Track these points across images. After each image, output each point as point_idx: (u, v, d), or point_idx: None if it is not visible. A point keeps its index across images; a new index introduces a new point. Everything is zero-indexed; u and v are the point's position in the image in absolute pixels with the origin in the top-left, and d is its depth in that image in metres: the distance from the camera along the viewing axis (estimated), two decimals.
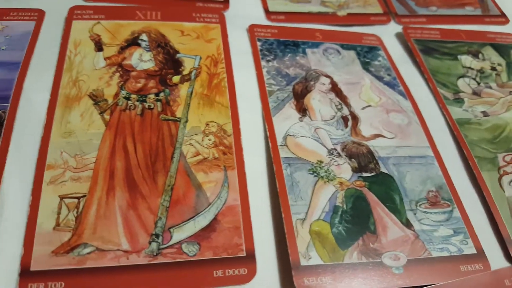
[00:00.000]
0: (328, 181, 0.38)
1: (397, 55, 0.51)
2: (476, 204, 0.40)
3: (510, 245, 0.37)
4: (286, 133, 0.40)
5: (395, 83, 0.48)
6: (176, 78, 0.42)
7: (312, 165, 0.39)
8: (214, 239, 0.33)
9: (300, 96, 0.44)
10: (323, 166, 0.39)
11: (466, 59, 0.51)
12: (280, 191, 0.36)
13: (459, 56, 0.51)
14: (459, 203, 0.39)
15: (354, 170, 0.39)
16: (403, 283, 0.33)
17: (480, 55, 0.52)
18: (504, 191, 0.40)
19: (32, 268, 0.30)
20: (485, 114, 0.46)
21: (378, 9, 0.56)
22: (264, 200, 0.37)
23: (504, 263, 0.36)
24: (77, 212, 0.32)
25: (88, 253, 0.30)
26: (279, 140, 0.40)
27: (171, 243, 0.33)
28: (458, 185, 0.40)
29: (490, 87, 0.49)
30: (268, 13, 0.53)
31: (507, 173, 0.41)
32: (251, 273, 0.32)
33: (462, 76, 0.49)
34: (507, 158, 0.42)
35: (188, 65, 0.44)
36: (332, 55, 0.49)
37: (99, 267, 0.30)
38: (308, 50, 0.49)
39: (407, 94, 0.47)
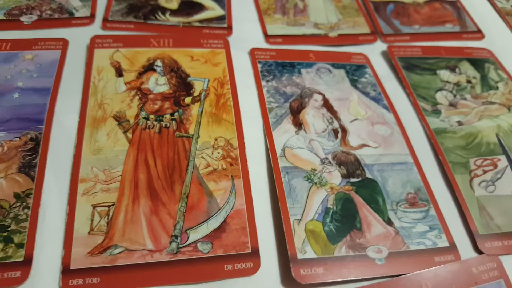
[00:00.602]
0: (320, 186, 0.44)
1: (383, 72, 0.57)
2: (450, 204, 0.45)
3: (478, 238, 0.42)
4: (284, 145, 0.46)
5: (380, 98, 0.54)
6: (188, 99, 0.48)
7: (307, 172, 0.44)
8: (224, 238, 0.39)
9: (296, 112, 0.50)
10: (316, 174, 0.45)
11: (444, 74, 0.57)
12: (280, 196, 0.42)
13: (437, 71, 0.57)
14: (434, 203, 0.45)
15: (343, 176, 0.45)
16: (384, 272, 0.39)
17: (457, 70, 0.58)
18: (474, 191, 0.46)
19: (72, 267, 0.36)
20: (459, 123, 0.52)
21: (366, 29, 0.63)
22: (266, 204, 0.43)
23: (473, 254, 0.42)
24: (107, 218, 0.38)
25: (119, 253, 0.37)
26: (278, 151, 0.46)
27: (188, 242, 0.39)
28: (434, 187, 0.46)
29: (465, 99, 0.55)
30: (267, 36, 0.59)
31: (477, 176, 0.47)
32: (256, 267, 0.38)
33: (440, 89, 0.55)
34: (478, 162, 0.48)
35: (198, 87, 0.50)
36: (324, 74, 0.55)
37: (128, 265, 0.36)
38: (303, 70, 0.55)
39: (390, 107, 0.53)
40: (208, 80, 0.51)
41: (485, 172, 0.48)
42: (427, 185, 0.46)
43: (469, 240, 0.43)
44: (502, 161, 0.49)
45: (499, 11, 0.69)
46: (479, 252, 0.42)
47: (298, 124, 0.49)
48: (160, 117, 0.46)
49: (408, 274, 0.38)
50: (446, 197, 0.46)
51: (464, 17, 0.67)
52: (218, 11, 0.61)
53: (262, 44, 0.58)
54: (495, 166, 0.48)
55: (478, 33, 0.65)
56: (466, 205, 0.45)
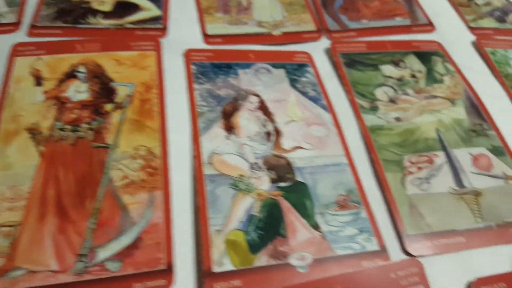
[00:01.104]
0: (247, 193, 0.42)
1: (325, 70, 0.55)
2: (381, 204, 0.44)
3: (405, 238, 0.41)
4: (212, 151, 0.45)
5: (319, 97, 0.52)
6: (108, 106, 0.47)
7: (234, 179, 0.43)
8: (137, 255, 0.38)
9: (228, 116, 0.48)
10: (244, 180, 0.43)
11: (387, 69, 0.55)
12: (201, 206, 0.41)
13: (380, 66, 0.55)
14: (366, 204, 0.43)
15: (273, 181, 0.44)
16: (305, 280, 0.38)
17: (401, 64, 0.56)
18: (405, 190, 0.44)
19: None
20: (398, 119, 0.50)
21: (312, 26, 0.61)
22: (187, 216, 0.41)
23: (403, 257, 0.41)
24: (11, 239, 0.37)
25: (20, 275, 0.35)
26: (205, 158, 0.44)
27: (95, 261, 0.37)
28: (367, 188, 0.45)
29: (407, 94, 0.53)
30: (206, 36, 0.57)
31: (411, 173, 0.46)
32: (169, 283, 0.37)
33: (381, 85, 0.53)
34: (413, 159, 0.47)
35: (122, 93, 0.48)
36: (263, 75, 0.53)
37: (30, 287, 0.35)
38: (240, 71, 0.53)
39: (328, 107, 0.51)
40: (134, 85, 0.49)
41: (420, 169, 0.46)
42: (359, 186, 0.44)
43: (398, 240, 0.42)
44: (440, 158, 0.47)
45: (452, 2, 0.68)
46: (408, 254, 0.41)
47: (230, 128, 0.47)
48: (77, 127, 0.44)
49: (321, 278, 0.37)
50: (377, 198, 0.44)
51: (415, 10, 0.65)
52: (154, 11, 0.59)
53: (200, 45, 0.57)
54: (432, 163, 0.47)
55: (428, 26, 0.63)
56: (395, 204, 0.43)
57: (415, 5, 0.66)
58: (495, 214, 0.44)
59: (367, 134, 0.49)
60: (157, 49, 0.53)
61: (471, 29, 0.64)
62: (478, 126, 0.51)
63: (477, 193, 0.45)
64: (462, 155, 0.48)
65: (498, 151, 0.49)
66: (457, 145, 0.49)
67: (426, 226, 0.42)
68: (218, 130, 0.47)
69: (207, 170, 0.43)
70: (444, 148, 0.48)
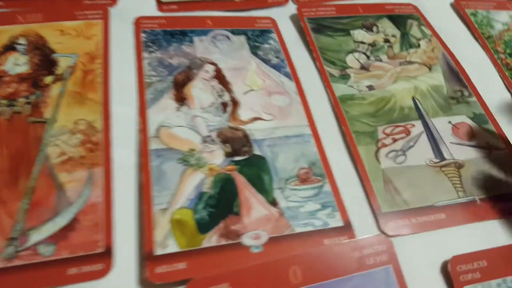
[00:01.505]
0: (198, 169, 0.38)
1: (290, 37, 0.51)
2: (352, 178, 0.39)
3: (380, 217, 0.37)
4: (160, 124, 0.40)
5: (282, 65, 0.47)
6: (48, 79, 0.42)
7: (183, 154, 0.38)
8: (72, 238, 0.33)
9: (180, 86, 0.44)
10: (194, 154, 0.39)
11: (359, 33, 0.50)
12: (145, 183, 0.36)
13: (351, 31, 0.51)
14: (331, 177, 0.39)
15: (227, 155, 0.39)
16: (259, 261, 0.33)
17: (374, 28, 0.51)
18: (380, 163, 0.40)
19: None
20: (370, 88, 0.45)
21: None
22: (130, 194, 0.37)
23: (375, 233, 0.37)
24: None
25: None
26: (152, 132, 0.39)
27: (27, 245, 0.32)
28: (333, 161, 0.40)
29: (381, 60, 0.48)
30: (160, 4, 0.52)
31: (385, 145, 0.41)
32: (107, 268, 0.32)
33: (352, 51, 0.49)
34: (387, 130, 0.42)
35: (64, 64, 0.43)
36: (220, 42, 0.49)
37: None
38: (195, 38, 0.48)
39: (293, 75, 0.46)
40: (77, 56, 0.44)
41: (395, 140, 0.42)
42: (324, 159, 0.40)
43: (373, 219, 0.38)
44: (417, 127, 0.43)
45: None
46: (385, 234, 0.36)
47: (181, 99, 0.43)
48: (13, 102, 0.40)
49: (276, 259, 0.33)
50: (347, 172, 0.40)
51: None
52: None
53: (154, 12, 0.52)
54: (408, 133, 0.42)
55: None
56: (368, 179, 0.39)
57: None
58: (478, 187, 0.40)
59: (337, 104, 0.44)
60: (105, 17, 0.48)
61: None
62: (458, 93, 0.46)
63: (458, 165, 0.41)
64: (441, 124, 0.44)
65: (480, 119, 0.45)
66: (435, 114, 0.44)
67: (403, 203, 0.38)
68: (168, 101, 0.42)
69: (153, 144, 0.39)
70: (421, 117, 0.44)
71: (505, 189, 0.40)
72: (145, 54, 0.46)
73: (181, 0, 0.53)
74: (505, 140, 0.43)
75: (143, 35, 0.48)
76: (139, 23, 0.49)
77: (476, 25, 0.53)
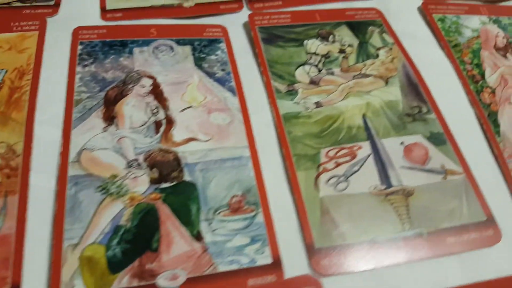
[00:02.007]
0: (117, 198, 0.35)
1: (240, 47, 0.47)
2: (287, 208, 0.36)
3: (311, 253, 0.33)
4: (82, 146, 0.37)
5: (228, 78, 0.44)
6: None
7: (104, 181, 0.36)
8: None
9: (111, 103, 0.41)
10: (116, 181, 0.36)
11: (313, 44, 0.47)
12: (57, 215, 0.34)
13: (305, 41, 0.47)
14: (265, 207, 0.36)
15: (153, 181, 0.36)
16: None
17: (330, 37, 0.48)
18: (318, 191, 0.37)
19: None
20: (318, 104, 0.42)
21: None
22: (45, 226, 0.34)
23: (306, 272, 0.34)
24: None
25: None
26: (72, 155, 0.37)
27: None
28: (270, 187, 0.37)
29: (333, 73, 0.45)
30: (104, 11, 0.49)
31: (326, 170, 0.38)
32: None
33: (303, 64, 0.45)
34: (331, 153, 0.39)
35: None
36: (162, 53, 0.45)
37: None
38: (135, 50, 0.45)
39: (237, 90, 0.43)
40: (6, 71, 0.42)
41: (338, 165, 0.38)
42: (260, 185, 0.37)
43: (305, 255, 0.34)
44: (364, 149, 0.39)
45: None
46: (317, 272, 0.33)
47: (110, 118, 0.40)
48: None
49: None
50: (283, 200, 0.37)
51: None
52: None
53: (97, 21, 0.49)
54: (353, 156, 0.39)
55: None
56: (304, 210, 0.35)
57: None
58: (427, 218, 0.36)
59: (280, 124, 0.40)
60: (41, 28, 0.46)
61: None
62: (415, 109, 0.43)
63: (407, 193, 0.37)
64: (392, 145, 0.40)
65: (437, 138, 0.41)
66: (387, 133, 0.41)
67: (340, 237, 0.34)
68: (95, 120, 0.39)
69: (72, 170, 0.36)
70: (370, 138, 0.40)
71: (457, 221, 0.36)
72: (78, 68, 0.43)
73: (127, 7, 0.50)
74: (464, 163, 0.40)
75: (79, 47, 0.45)
76: (78, 33, 0.46)
77: (443, 32, 0.49)
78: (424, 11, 0.51)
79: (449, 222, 0.36)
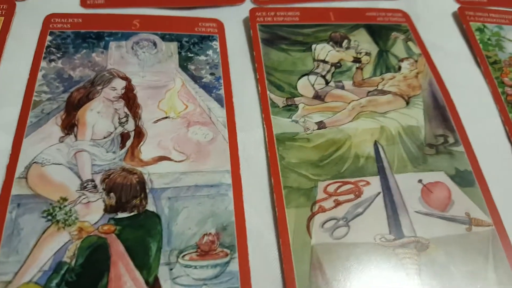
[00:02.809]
0: (64, 227, 0.29)
1: (236, 47, 0.40)
2: (270, 254, 0.29)
3: None
4: (33, 159, 0.31)
5: (216, 85, 0.37)
6: None
7: (51, 204, 0.30)
8: None
9: (74, 107, 0.34)
10: (65, 206, 0.30)
11: (322, 49, 0.39)
12: None
13: (314, 45, 0.40)
14: (243, 251, 0.29)
15: (109, 209, 0.30)
16: None
17: (344, 42, 0.40)
18: (310, 237, 0.30)
19: None
20: (320, 125, 0.35)
21: None
22: None
23: None
24: None
25: None
26: (20, 170, 0.31)
27: None
28: (252, 226, 0.30)
29: (343, 87, 0.37)
30: None
31: (323, 210, 0.31)
32: None
33: (308, 73, 0.38)
34: (331, 188, 0.32)
35: None
36: (143, 49, 0.39)
37: None
38: (112, 44, 0.39)
39: (226, 100, 0.36)
40: None
41: (338, 204, 0.31)
42: (240, 222, 0.30)
43: None
44: (373, 186, 0.32)
45: None
46: None
47: (70, 126, 0.33)
48: None
49: None
50: (266, 244, 0.30)
51: None
52: None
53: (75, 8, 0.43)
54: (358, 194, 0.32)
55: None
56: (290, 259, 0.28)
57: None
58: (443, 280, 0.29)
59: (272, 146, 0.33)
60: (8, 14, 0.40)
61: None
62: (440, 139, 0.35)
63: (421, 246, 0.30)
64: (409, 183, 0.33)
65: (464, 178, 0.33)
66: (402, 168, 0.33)
67: None
68: (52, 128, 0.33)
69: (16, 188, 0.30)
70: (381, 172, 0.33)
71: (480, 286, 0.29)
72: (43, 64, 0.36)
73: None
74: (494, 212, 0.32)
75: (48, 37, 0.38)
76: (49, 22, 0.40)
77: (481, 45, 0.41)
78: (460, 18, 0.43)
79: (470, 286, 0.29)
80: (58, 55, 0.37)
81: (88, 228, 0.29)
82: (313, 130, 0.34)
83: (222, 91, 0.37)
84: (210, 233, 0.30)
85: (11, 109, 0.34)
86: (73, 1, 0.42)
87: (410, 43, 0.41)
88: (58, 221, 0.29)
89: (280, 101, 0.36)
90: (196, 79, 0.38)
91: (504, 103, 0.38)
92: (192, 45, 0.40)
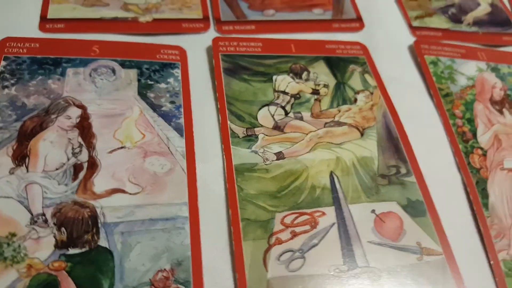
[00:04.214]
0: (12, 264, 0.28)
1: (198, 76, 0.40)
2: None
3: None
4: None
5: (176, 114, 0.37)
6: None
7: None
8: None
9: (26, 137, 0.33)
10: (13, 242, 0.28)
11: (283, 80, 0.40)
12: None
13: (274, 77, 0.41)
14: (199, 286, 0.29)
15: (59, 245, 0.29)
16: None
17: (304, 74, 0.41)
18: (267, 270, 0.30)
19: None
20: (279, 156, 0.35)
21: (198, 14, 0.46)
22: None
23: None
24: None
25: None
26: None
27: None
28: (208, 261, 0.30)
29: (301, 118, 0.38)
30: (43, 21, 0.42)
31: (280, 242, 0.31)
32: None
33: (269, 104, 0.38)
34: (287, 220, 0.32)
35: None
36: (101, 76, 0.38)
37: None
38: (69, 71, 0.38)
39: (186, 129, 0.36)
40: None
41: (294, 235, 0.32)
42: (196, 257, 0.30)
43: None
44: (328, 216, 0.33)
45: None
46: None
47: (21, 157, 0.32)
48: None
49: None
50: (221, 279, 0.30)
51: (343, 0, 0.51)
52: None
53: (33, 32, 0.42)
54: (314, 225, 0.32)
55: (355, 22, 0.47)
56: None
57: None
58: None
59: (231, 177, 0.34)
60: None
61: (413, 29, 0.48)
62: (393, 169, 0.36)
63: (374, 276, 0.30)
64: (361, 213, 0.33)
65: (415, 208, 0.35)
66: (356, 198, 0.34)
67: None
68: (3, 158, 0.32)
69: None
70: (336, 202, 0.34)
71: None
72: None
73: (72, 17, 0.43)
74: (444, 241, 0.33)
75: (3, 62, 0.37)
76: (4, 45, 0.38)
77: (434, 78, 0.43)
78: (416, 51, 0.45)
79: None
80: (12, 81, 0.36)
81: (38, 265, 0.28)
82: (272, 160, 0.35)
83: (182, 120, 0.37)
84: (164, 269, 0.29)
85: None
86: (31, 24, 0.41)
87: (366, 75, 0.42)
88: (5, 258, 0.28)
89: (240, 131, 0.36)
90: (155, 107, 0.37)
91: (455, 134, 0.39)
92: (153, 72, 0.40)
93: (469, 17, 0.52)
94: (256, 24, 0.45)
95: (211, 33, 0.44)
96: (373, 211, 0.34)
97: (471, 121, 0.41)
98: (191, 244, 0.31)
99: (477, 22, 0.52)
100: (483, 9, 0.54)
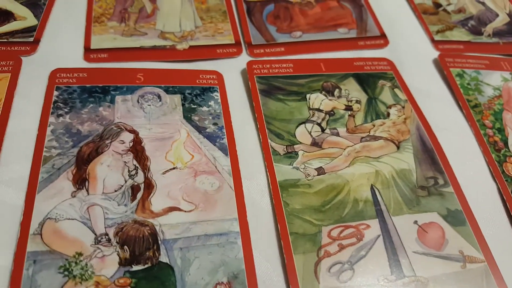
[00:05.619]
0: (81, 282, 0.30)
1: (236, 98, 0.43)
2: None
3: None
4: (47, 215, 0.32)
5: (219, 134, 0.39)
6: None
7: (67, 260, 0.31)
8: None
9: (84, 162, 0.36)
10: (80, 261, 0.31)
11: (316, 98, 0.42)
12: None
13: (308, 95, 0.43)
14: None
15: (123, 262, 0.31)
16: None
17: (336, 91, 0.43)
18: (318, 282, 0.31)
19: None
20: (320, 171, 0.37)
21: (230, 39, 0.48)
22: None
23: None
24: None
25: None
26: (34, 226, 0.32)
27: None
28: (262, 274, 0.32)
29: (338, 134, 0.40)
30: (87, 51, 0.45)
31: (329, 255, 0.33)
32: None
33: (305, 121, 0.41)
34: (334, 233, 0.34)
35: None
36: (148, 103, 0.41)
37: None
38: (118, 98, 0.41)
39: (230, 149, 0.38)
40: None
41: (342, 248, 0.33)
42: (250, 270, 0.31)
43: None
44: (373, 229, 0.34)
45: (414, 7, 0.55)
46: None
47: (81, 181, 0.35)
48: None
49: None
50: None
51: (365, 18, 0.52)
52: (29, 20, 0.46)
53: (79, 62, 0.45)
54: (360, 238, 0.34)
55: (380, 39, 0.50)
56: None
57: (366, 12, 0.53)
58: None
59: (277, 193, 0.35)
60: (15, 69, 0.41)
61: (436, 43, 0.50)
62: (431, 181, 0.38)
63: (421, 285, 0.32)
64: (405, 225, 0.35)
65: (456, 218, 0.36)
66: (399, 210, 0.36)
67: None
68: (64, 183, 0.34)
69: (32, 245, 0.31)
70: (379, 215, 0.35)
71: None
72: (51, 119, 0.38)
73: (113, 47, 0.46)
74: (485, 249, 0.34)
75: (55, 93, 0.40)
76: (55, 77, 0.42)
77: (461, 90, 0.45)
78: (441, 64, 0.47)
79: None
80: (66, 110, 0.39)
81: (104, 282, 0.30)
82: (314, 176, 0.37)
83: (225, 140, 0.39)
84: (222, 282, 0.31)
85: (22, 165, 0.35)
86: (76, 55, 0.45)
87: (396, 90, 0.44)
88: (75, 276, 0.30)
89: (280, 148, 0.38)
90: (200, 129, 0.40)
91: (487, 144, 0.41)
92: (195, 96, 0.42)
93: (489, 28, 0.54)
94: (285, 46, 0.48)
95: (244, 57, 0.47)
96: (415, 222, 0.35)
97: (501, 130, 0.42)
98: (244, 257, 0.32)
99: (497, 33, 0.53)
100: (501, 20, 0.56)
